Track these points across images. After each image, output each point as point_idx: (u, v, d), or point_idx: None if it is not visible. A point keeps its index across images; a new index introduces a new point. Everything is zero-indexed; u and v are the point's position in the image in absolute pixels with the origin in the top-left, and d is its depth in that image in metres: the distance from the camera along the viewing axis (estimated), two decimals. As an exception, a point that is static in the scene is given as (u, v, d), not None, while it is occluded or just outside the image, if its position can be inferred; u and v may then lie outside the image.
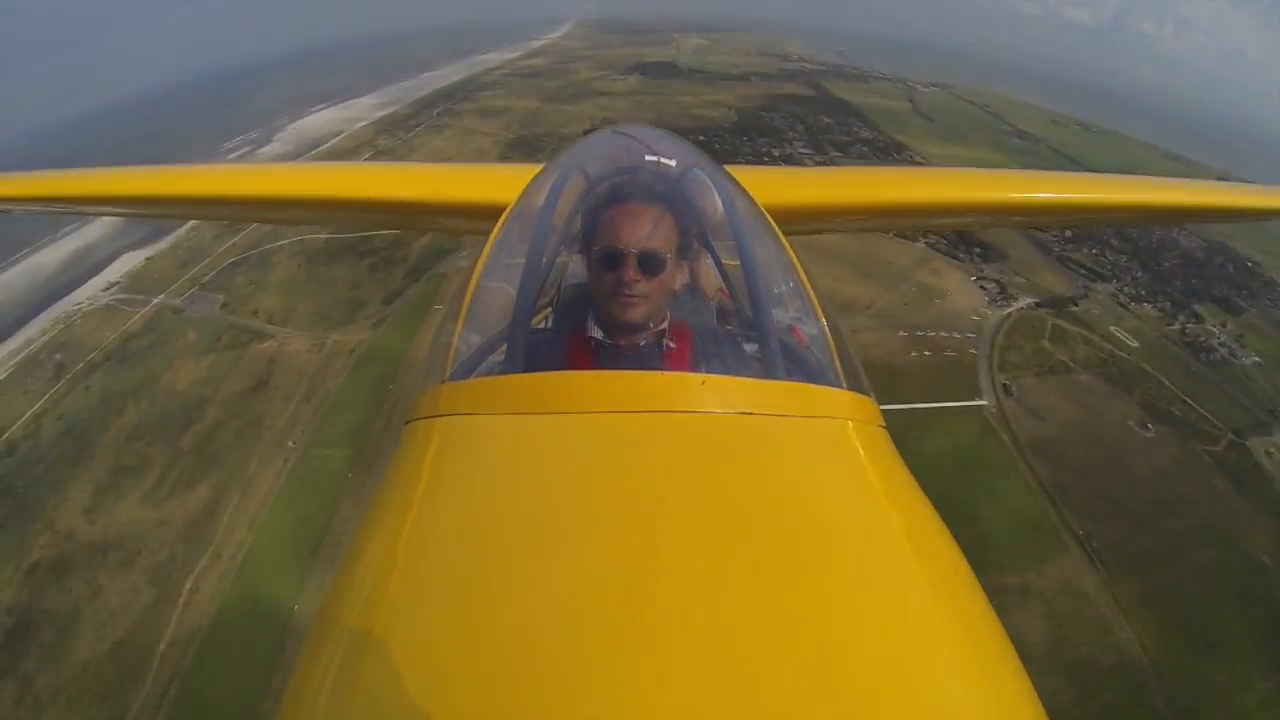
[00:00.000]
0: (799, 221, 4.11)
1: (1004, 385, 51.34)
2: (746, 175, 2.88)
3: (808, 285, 2.22)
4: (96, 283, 78.74)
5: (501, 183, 4.02)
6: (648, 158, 2.51)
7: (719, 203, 2.41)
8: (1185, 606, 36.59)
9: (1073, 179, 4.59)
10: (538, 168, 3.00)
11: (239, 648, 34.38)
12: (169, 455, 48.21)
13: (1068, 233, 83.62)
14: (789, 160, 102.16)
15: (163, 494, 45.25)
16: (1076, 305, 65.41)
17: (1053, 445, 45.99)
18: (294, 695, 1.07)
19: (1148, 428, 49.75)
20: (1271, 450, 50.17)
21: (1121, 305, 67.87)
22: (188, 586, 38.47)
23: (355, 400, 50.49)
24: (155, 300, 70.63)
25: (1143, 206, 4.42)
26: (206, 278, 73.21)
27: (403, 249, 72.33)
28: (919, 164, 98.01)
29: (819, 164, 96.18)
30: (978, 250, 73.39)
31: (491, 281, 2.25)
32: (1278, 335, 66.91)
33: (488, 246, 2.37)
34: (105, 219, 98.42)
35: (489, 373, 1.93)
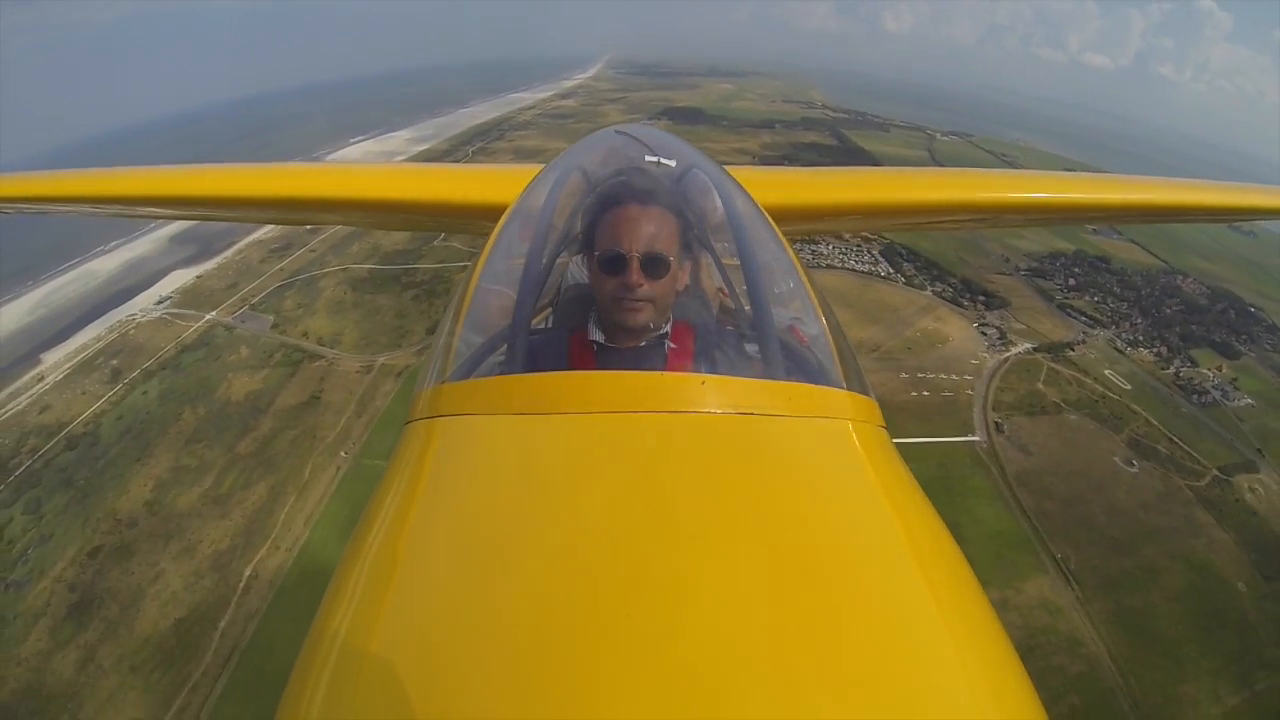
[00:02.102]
0: (799, 221, 4.22)
1: (996, 423, 54.19)
2: (746, 175, 2.93)
3: (809, 285, 2.23)
4: (149, 295, 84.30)
5: (501, 183, 4.10)
6: (648, 158, 2.50)
7: (719, 203, 2.42)
8: (1157, 625, 39.07)
9: (1071, 179, 4.66)
10: (538, 168, 3.05)
11: (296, 627, 37.04)
12: (227, 458, 52.14)
13: (1071, 280, 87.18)
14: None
15: (222, 492, 48.91)
16: (1073, 350, 68.10)
17: (1038, 477, 48.74)
18: (293, 693, 1.08)
19: (1132, 464, 52.20)
20: (1256, 486, 52.00)
21: (1118, 350, 70.33)
22: (247, 573, 41.91)
23: (404, 417, 53.17)
24: (207, 316, 75.57)
25: (1140, 206, 4.49)
26: (256, 299, 78.42)
27: (444, 283, 76.89)
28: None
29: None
30: (981, 298, 76.95)
31: (491, 282, 2.27)
32: (1273, 378, 68.79)
33: (488, 247, 2.39)
34: (154, 236, 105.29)
35: (489, 373, 1.93)
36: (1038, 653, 35.78)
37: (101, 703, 36.60)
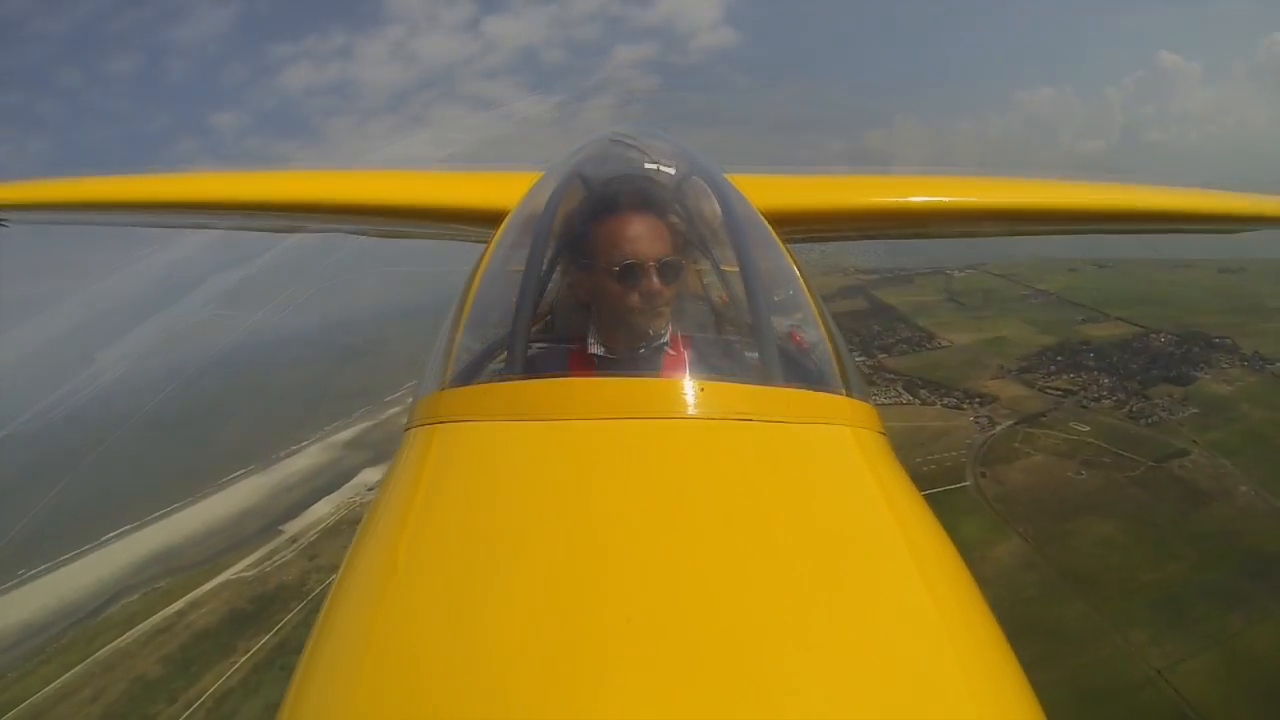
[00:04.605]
0: (800, 228, 4.27)
1: (981, 473, 73.86)
2: (747, 182, 3.02)
3: (808, 291, 2.29)
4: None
5: (501, 189, 4.09)
6: (647, 165, 2.50)
7: (719, 209, 2.46)
8: (1088, 559, 55.73)
9: (1071, 186, 4.79)
10: (537, 174, 3.09)
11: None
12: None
13: (1051, 368, 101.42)
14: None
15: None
16: (1045, 416, 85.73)
17: (1008, 493, 68.27)
18: (295, 695, 1.09)
19: (1081, 473, 68.06)
20: (1186, 465, 65.01)
21: (1083, 407, 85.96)
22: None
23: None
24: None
25: (1139, 211, 4.61)
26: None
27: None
28: (944, 347, 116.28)
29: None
30: (977, 400, 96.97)
31: (491, 289, 2.35)
32: (1223, 390, 79.28)
33: (487, 253, 2.45)
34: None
35: (489, 380, 1.98)
36: (1003, 579, 54.79)
37: None
